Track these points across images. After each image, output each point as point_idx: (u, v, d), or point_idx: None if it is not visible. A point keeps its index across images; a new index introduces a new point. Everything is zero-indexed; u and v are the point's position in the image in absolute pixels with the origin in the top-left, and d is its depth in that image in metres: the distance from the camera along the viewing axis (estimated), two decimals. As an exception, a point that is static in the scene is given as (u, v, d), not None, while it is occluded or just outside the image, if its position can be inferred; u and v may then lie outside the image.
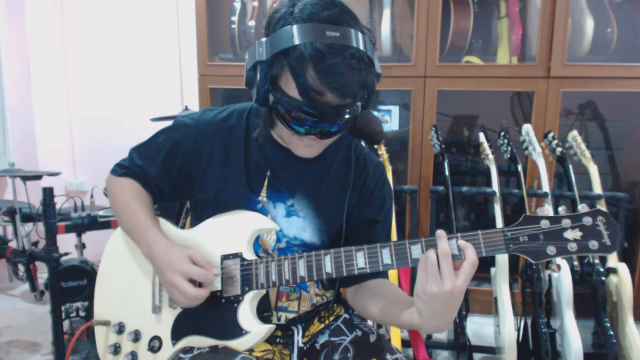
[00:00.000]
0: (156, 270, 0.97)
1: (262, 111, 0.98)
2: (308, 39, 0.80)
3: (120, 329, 1.02)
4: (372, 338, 1.03)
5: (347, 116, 0.87)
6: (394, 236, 1.98)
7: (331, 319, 1.10)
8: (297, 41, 0.81)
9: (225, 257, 0.96)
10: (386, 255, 0.85)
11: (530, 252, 0.79)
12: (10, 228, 2.46)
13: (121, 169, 1.08)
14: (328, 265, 0.89)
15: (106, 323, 1.04)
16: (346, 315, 1.11)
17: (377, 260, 0.86)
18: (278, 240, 1.02)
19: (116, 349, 1.01)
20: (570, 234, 0.78)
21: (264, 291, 0.96)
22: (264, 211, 1.01)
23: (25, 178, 2.30)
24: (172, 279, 0.90)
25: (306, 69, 0.80)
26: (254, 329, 0.92)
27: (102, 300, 1.08)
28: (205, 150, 1.01)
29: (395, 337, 1.84)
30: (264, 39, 0.87)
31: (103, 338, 1.05)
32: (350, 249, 0.88)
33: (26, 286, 2.58)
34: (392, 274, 1.97)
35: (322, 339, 1.06)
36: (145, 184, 1.06)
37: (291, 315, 1.03)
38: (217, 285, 0.95)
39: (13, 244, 2.43)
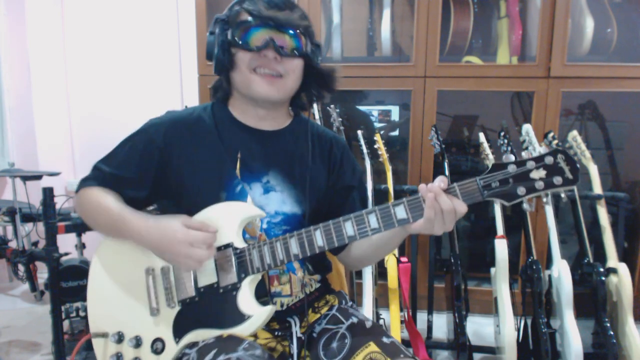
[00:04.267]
0: (155, 250, 0.98)
1: (224, 105, 1.11)
2: None
3: (120, 338, 1.02)
4: (368, 324, 1.05)
5: (296, 25, 1.00)
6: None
7: (326, 309, 1.12)
8: None
9: (217, 249, 0.97)
10: (373, 220, 0.91)
11: (503, 195, 0.87)
12: (10, 228, 2.46)
13: (87, 183, 1.07)
14: (319, 239, 0.93)
15: (104, 335, 1.04)
16: (341, 305, 1.13)
17: (365, 226, 0.91)
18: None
19: (118, 358, 1.01)
20: (535, 174, 0.85)
21: (259, 276, 0.98)
22: (243, 192, 1.03)
23: (25, 178, 2.30)
24: (179, 250, 0.92)
25: (258, 1, 0.99)
26: (255, 312, 0.94)
27: (96, 313, 1.07)
28: (176, 143, 1.05)
29: (395, 337, 1.84)
30: None
31: (101, 349, 1.04)
32: (338, 220, 0.93)
33: (26, 286, 2.58)
34: (393, 274, 1.97)
35: (319, 328, 1.08)
36: (118, 191, 1.05)
37: (286, 300, 1.06)
38: (213, 278, 0.97)
39: (13, 244, 2.43)
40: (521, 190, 0.86)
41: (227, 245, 0.97)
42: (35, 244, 2.44)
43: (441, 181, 0.89)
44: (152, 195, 1.08)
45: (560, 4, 2.20)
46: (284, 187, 1.07)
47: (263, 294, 1.03)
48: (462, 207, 0.88)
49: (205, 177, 1.04)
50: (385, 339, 0.99)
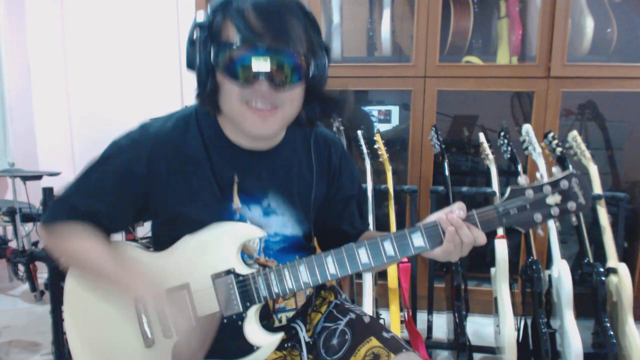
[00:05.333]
0: (153, 304, 0.90)
1: (212, 117, 0.95)
2: None
3: None
4: (366, 319, 1.03)
5: (296, 46, 0.81)
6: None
7: (324, 307, 1.10)
8: None
9: (216, 276, 0.90)
10: (388, 247, 0.87)
11: (520, 222, 0.86)
12: (10, 228, 2.46)
13: (61, 216, 0.93)
14: (331, 267, 0.89)
15: None
16: (337, 301, 1.11)
17: (380, 253, 0.88)
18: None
19: None
20: (551, 200, 0.85)
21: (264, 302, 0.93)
22: (243, 219, 0.96)
23: (25, 178, 2.31)
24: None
25: (246, 10, 0.80)
26: (264, 342, 0.90)
27: (82, 351, 0.97)
28: (162, 167, 0.91)
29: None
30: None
31: None
32: (350, 246, 0.88)
33: (26, 286, 2.58)
34: (393, 274, 1.97)
35: (318, 327, 1.06)
36: (93, 223, 0.93)
37: (291, 314, 1.03)
38: (215, 307, 0.90)
39: (13, 244, 2.43)
40: (537, 217, 0.85)
41: (228, 272, 0.90)
42: (35, 244, 2.44)
43: (460, 209, 0.86)
44: (134, 219, 1.00)
45: (560, 4, 2.20)
46: (285, 210, 0.99)
47: (266, 315, 0.98)
48: (482, 239, 0.85)
49: (199, 207, 0.93)
50: (385, 334, 0.98)
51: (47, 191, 1.74)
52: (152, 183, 0.92)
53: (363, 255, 0.88)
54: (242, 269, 0.91)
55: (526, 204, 0.85)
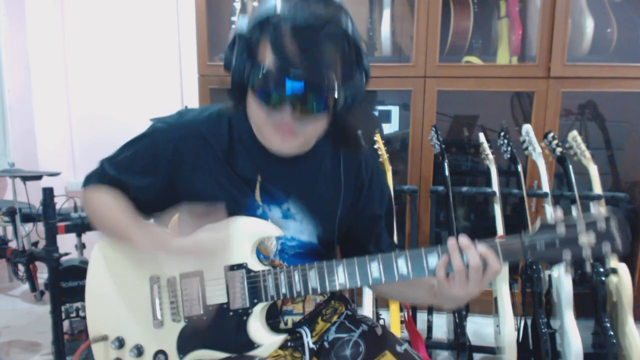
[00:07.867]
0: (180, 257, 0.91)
1: (244, 116, 0.96)
2: (292, 8, 0.78)
3: (121, 344, 0.97)
4: (379, 331, 1.04)
5: (321, 87, 0.80)
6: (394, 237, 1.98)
7: (335, 317, 1.10)
8: (280, 9, 0.79)
9: (229, 268, 0.92)
10: (402, 265, 0.86)
11: (546, 259, 0.81)
12: (10, 228, 2.46)
13: (94, 180, 1.01)
14: (341, 276, 0.88)
15: (104, 338, 0.98)
16: (348, 312, 1.11)
17: (392, 270, 0.86)
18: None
19: None
20: (584, 239, 0.80)
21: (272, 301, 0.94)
22: (264, 216, 0.97)
23: (25, 178, 2.30)
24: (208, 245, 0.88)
25: (284, 32, 0.78)
26: (266, 341, 0.91)
27: (96, 316, 1.01)
28: (188, 155, 0.95)
29: (396, 334, 1.84)
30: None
31: (102, 354, 0.99)
32: (363, 258, 0.87)
33: (26, 286, 2.58)
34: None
35: (330, 336, 1.06)
36: (124, 192, 0.98)
37: (297, 318, 1.03)
38: (224, 298, 0.92)
39: (13, 244, 2.43)
40: (567, 254, 0.80)
41: (240, 266, 0.91)
42: (35, 244, 2.44)
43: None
44: (158, 203, 1.01)
45: (560, 4, 2.20)
46: (303, 217, 0.99)
47: (274, 314, 0.98)
48: (496, 264, 0.81)
49: (226, 198, 0.95)
50: (398, 348, 0.98)
51: (47, 191, 1.74)
52: (176, 168, 0.95)
53: (375, 269, 0.86)
54: (255, 265, 0.92)
55: (555, 240, 0.80)
